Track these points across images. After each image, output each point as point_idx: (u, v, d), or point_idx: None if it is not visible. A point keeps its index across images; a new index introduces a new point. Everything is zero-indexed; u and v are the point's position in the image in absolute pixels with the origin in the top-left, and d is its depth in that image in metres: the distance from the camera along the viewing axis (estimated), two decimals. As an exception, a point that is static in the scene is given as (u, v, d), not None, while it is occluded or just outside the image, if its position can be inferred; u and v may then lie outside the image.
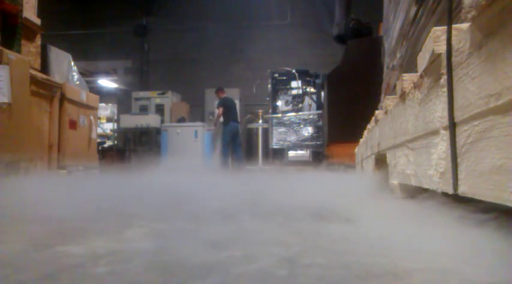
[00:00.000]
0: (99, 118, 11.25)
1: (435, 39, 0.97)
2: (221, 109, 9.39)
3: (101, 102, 8.20)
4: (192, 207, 1.64)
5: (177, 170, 5.37)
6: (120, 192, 2.36)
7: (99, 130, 9.26)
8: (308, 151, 9.68)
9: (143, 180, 3.62)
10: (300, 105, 9.71)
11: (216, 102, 9.77)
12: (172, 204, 1.73)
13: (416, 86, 1.26)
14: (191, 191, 2.35)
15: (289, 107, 9.77)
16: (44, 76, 5.26)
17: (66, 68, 6.18)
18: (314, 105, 9.64)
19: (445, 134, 0.98)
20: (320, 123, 9.12)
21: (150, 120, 10.50)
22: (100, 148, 10.29)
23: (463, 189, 0.87)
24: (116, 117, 12.08)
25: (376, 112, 2.44)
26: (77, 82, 6.33)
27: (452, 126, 0.91)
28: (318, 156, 9.52)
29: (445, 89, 0.94)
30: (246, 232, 1.08)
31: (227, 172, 8.63)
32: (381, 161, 2.33)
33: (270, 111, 9.80)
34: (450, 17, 0.94)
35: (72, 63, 6.36)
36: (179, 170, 5.30)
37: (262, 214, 1.37)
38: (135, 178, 3.81)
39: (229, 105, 9.54)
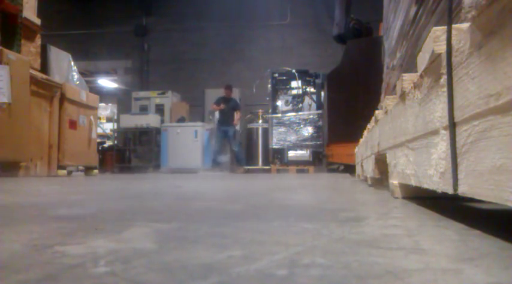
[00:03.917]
0: (99, 118, 11.25)
1: (435, 39, 0.97)
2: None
3: (101, 102, 8.21)
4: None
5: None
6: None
7: (99, 130, 9.27)
8: (308, 151, 9.68)
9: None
10: (300, 105, 9.72)
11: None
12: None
13: (416, 86, 1.26)
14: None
15: (289, 107, 9.78)
16: (44, 76, 5.26)
17: (66, 68, 6.18)
18: (314, 105, 9.65)
19: (445, 134, 0.98)
20: (320, 123, 9.13)
21: (150, 120, 10.49)
22: (100, 148, 10.29)
23: (463, 189, 0.87)
24: (116, 117, 12.08)
25: (376, 112, 2.44)
26: (77, 82, 6.33)
27: (452, 126, 0.91)
28: (318, 156, 9.53)
29: (445, 89, 0.94)
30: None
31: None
32: (380, 161, 2.33)
33: (270, 111, 9.81)
34: (450, 17, 0.94)
35: (72, 63, 6.36)
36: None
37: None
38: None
39: None
